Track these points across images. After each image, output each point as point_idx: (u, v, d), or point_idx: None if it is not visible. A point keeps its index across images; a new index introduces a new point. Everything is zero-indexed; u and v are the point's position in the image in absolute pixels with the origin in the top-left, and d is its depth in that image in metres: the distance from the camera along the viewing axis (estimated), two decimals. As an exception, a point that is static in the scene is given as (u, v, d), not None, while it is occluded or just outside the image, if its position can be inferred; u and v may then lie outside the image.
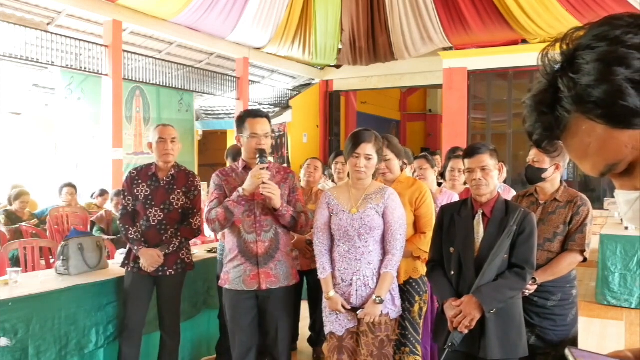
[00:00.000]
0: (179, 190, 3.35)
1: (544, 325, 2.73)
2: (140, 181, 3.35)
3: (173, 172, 3.38)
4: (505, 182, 4.31)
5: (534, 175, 2.84)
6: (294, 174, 3.06)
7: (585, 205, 2.78)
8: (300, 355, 4.37)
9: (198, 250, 4.24)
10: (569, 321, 2.78)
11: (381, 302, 2.61)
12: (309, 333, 4.37)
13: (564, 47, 0.69)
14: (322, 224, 2.77)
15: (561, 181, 2.89)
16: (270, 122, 2.98)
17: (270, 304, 2.92)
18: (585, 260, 2.77)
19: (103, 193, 6.97)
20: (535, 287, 2.68)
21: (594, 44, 0.65)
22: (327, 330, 2.79)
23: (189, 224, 3.37)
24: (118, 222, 3.44)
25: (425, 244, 2.85)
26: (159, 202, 3.31)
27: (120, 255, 3.75)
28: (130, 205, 3.36)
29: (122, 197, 3.49)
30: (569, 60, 0.67)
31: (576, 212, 2.76)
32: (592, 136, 0.67)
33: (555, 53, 0.70)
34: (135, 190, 3.34)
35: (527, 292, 2.63)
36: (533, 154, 2.84)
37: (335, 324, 2.73)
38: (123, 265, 3.35)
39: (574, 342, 2.81)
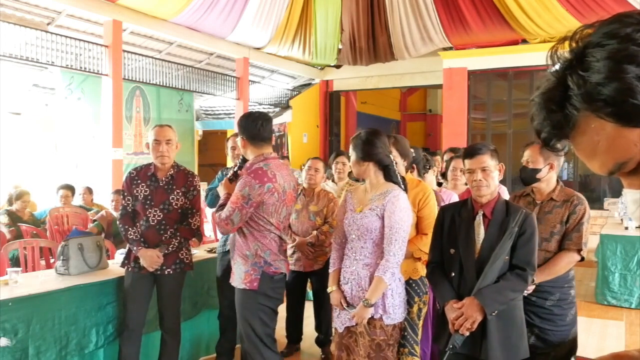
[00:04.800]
0: (178, 191, 3.35)
1: (543, 325, 2.73)
2: (139, 181, 3.35)
3: (172, 172, 3.38)
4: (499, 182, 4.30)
5: (528, 176, 2.84)
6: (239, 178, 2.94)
7: (581, 204, 2.77)
8: (305, 355, 4.37)
9: (198, 250, 4.24)
10: (568, 321, 2.77)
11: (369, 305, 2.58)
12: (315, 333, 4.37)
13: (574, 44, 0.68)
14: (339, 220, 2.85)
15: (558, 180, 2.87)
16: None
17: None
18: (582, 259, 2.77)
19: (90, 191, 6.98)
20: (534, 287, 2.67)
21: (604, 41, 0.64)
22: (333, 325, 2.87)
23: (188, 224, 3.37)
24: (118, 222, 3.44)
25: (426, 245, 2.84)
26: (158, 202, 3.31)
27: (120, 255, 3.75)
28: (130, 205, 3.36)
29: (122, 197, 3.49)
30: (579, 58, 0.66)
31: (573, 211, 2.75)
32: (602, 134, 0.66)
33: (565, 51, 0.69)
34: (135, 191, 3.34)
35: (525, 292, 2.63)
36: (527, 155, 2.84)
37: (337, 320, 2.78)
38: (123, 265, 3.35)
39: (573, 343, 2.81)
